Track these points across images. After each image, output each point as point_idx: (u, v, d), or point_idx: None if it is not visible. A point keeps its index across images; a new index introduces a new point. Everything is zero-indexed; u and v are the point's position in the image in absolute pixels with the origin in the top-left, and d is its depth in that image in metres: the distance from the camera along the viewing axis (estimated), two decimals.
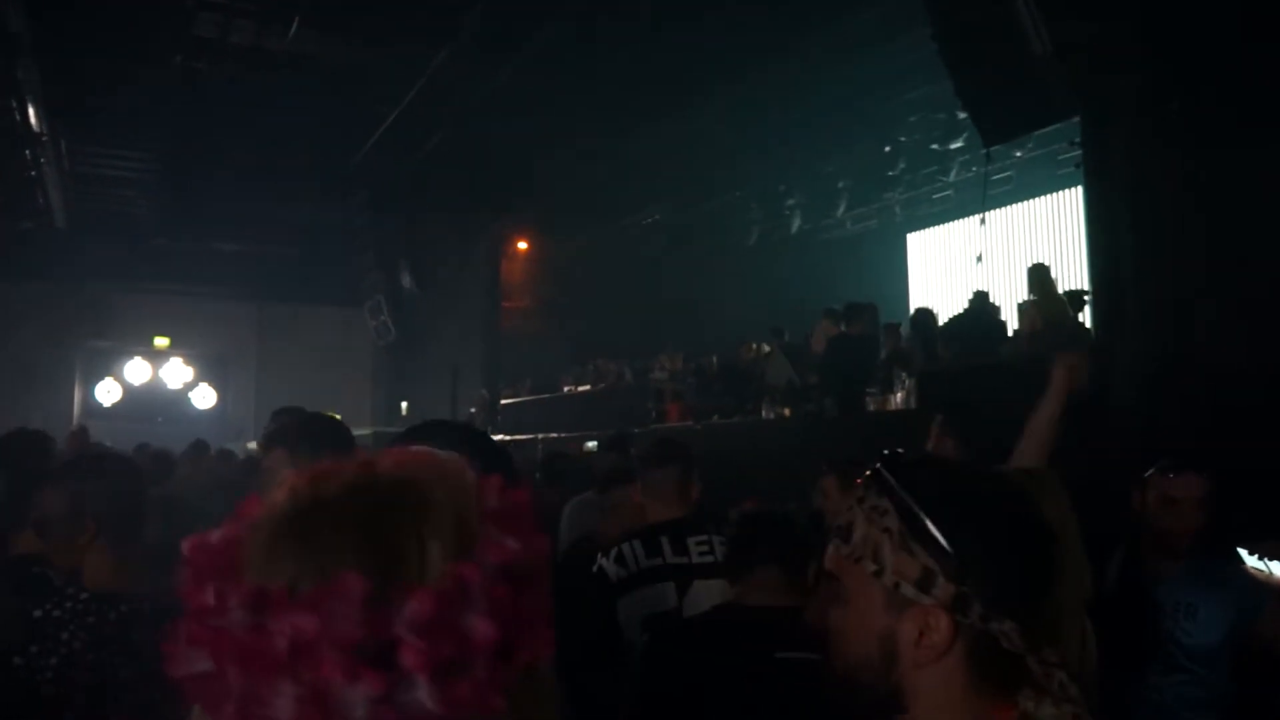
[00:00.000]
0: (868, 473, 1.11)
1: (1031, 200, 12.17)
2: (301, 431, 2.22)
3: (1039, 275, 7.68)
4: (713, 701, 2.14)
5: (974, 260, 12.38)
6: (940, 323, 9.00)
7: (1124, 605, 2.70)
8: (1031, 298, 7.68)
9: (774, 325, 10.81)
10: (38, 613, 1.89)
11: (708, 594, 2.77)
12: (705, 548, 2.88)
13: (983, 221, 12.19)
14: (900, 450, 1.20)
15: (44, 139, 10.52)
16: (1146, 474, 2.83)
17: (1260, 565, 3.00)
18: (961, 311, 8.98)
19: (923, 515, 1.04)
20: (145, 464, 5.44)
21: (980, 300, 8.89)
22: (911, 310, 12.87)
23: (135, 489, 2.18)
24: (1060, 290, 7.85)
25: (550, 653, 0.55)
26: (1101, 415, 4.64)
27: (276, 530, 0.54)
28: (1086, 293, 7.73)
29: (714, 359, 11.03)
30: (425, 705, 0.48)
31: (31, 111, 9.75)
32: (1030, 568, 1.05)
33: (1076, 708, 1.00)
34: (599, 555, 3.00)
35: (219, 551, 0.53)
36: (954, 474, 1.15)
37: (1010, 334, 9.38)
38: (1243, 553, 3.02)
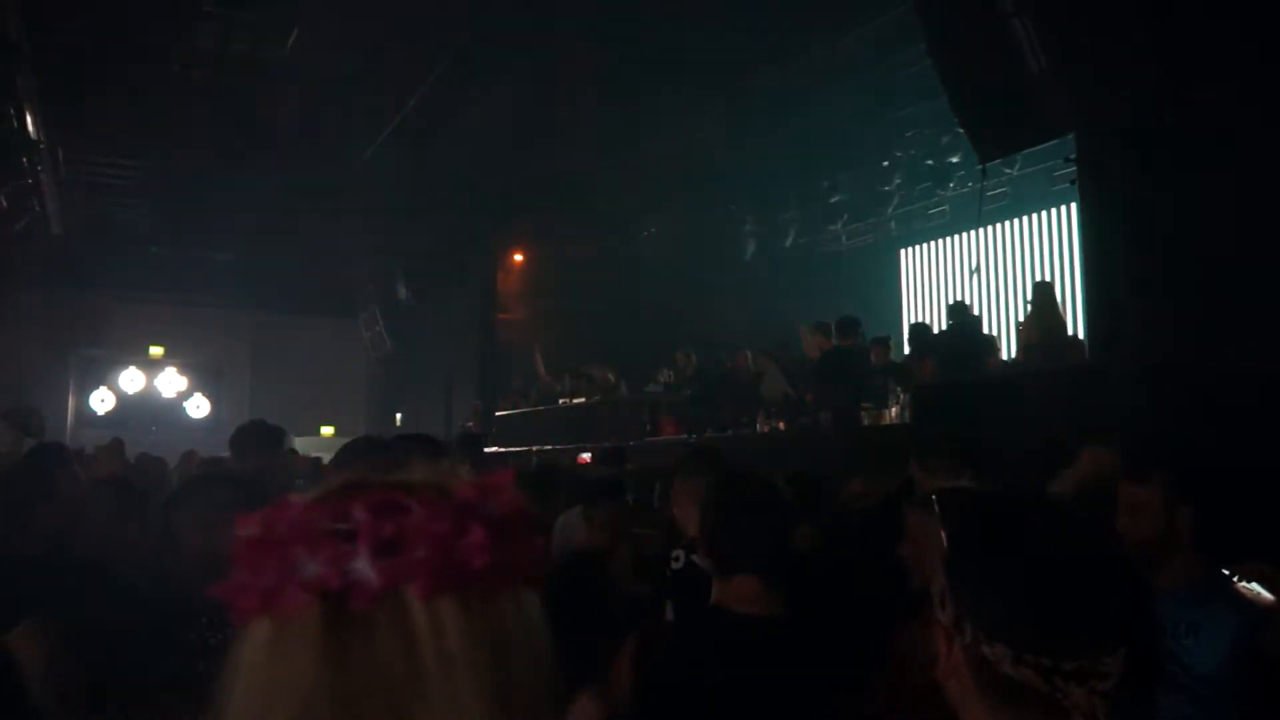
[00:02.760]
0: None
1: (1026, 216, 12.18)
2: None
3: (1042, 291, 7.67)
4: (706, 708, 2.11)
5: (972, 271, 12.40)
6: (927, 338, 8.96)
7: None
8: (1030, 313, 7.67)
9: (768, 339, 10.79)
10: None
11: None
12: None
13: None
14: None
15: (41, 146, 10.49)
16: None
17: (1244, 586, 2.97)
18: (945, 328, 8.96)
19: (945, 543, 1.13)
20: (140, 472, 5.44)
21: (961, 313, 8.79)
22: (905, 325, 12.87)
23: None
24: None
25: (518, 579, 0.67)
26: (1098, 431, 4.64)
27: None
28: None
29: (706, 370, 10.99)
30: (364, 573, 0.62)
31: (29, 119, 9.74)
32: (1028, 596, 1.02)
33: None
34: (678, 550, 3.02)
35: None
36: (984, 504, 1.19)
37: (996, 348, 9.38)
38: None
